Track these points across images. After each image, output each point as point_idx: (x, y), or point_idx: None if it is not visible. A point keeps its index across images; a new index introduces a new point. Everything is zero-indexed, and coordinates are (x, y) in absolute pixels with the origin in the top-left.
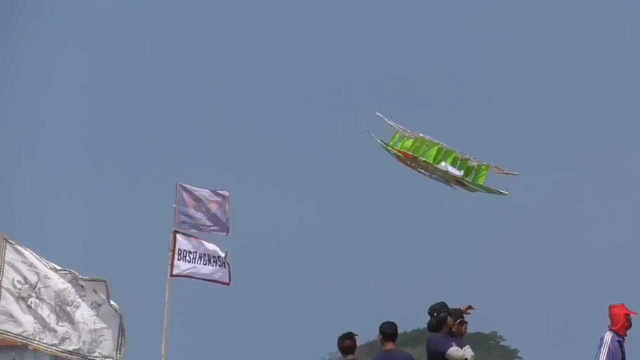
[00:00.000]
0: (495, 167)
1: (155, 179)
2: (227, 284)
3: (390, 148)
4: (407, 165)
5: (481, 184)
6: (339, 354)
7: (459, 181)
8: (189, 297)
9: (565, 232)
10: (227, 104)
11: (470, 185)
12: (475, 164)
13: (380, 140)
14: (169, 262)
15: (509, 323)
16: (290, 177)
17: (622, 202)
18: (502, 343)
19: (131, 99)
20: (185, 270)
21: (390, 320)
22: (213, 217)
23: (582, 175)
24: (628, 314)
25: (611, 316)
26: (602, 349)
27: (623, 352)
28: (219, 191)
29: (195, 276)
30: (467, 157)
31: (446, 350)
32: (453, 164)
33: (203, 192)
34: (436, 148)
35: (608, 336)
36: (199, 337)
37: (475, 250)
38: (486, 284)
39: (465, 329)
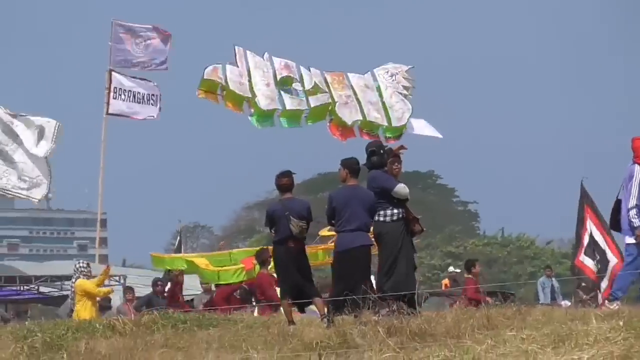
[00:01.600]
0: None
1: (91, 17)
2: (154, 117)
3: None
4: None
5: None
6: (277, 192)
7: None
8: (124, 135)
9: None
10: None
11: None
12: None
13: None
14: (105, 101)
15: (446, 163)
16: None
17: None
18: (439, 182)
19: None
20: (120, 109)
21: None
22: (151, 54)
23: None
24: None
25: (634, 149)
26: (633, 181)
27: None
28: (161, 28)
29: (130, 115)
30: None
31: (393, 187)
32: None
33: (142, 29)
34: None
35: (638, 170)
36: (134, 175)
37: None
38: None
39: (399, 167)
